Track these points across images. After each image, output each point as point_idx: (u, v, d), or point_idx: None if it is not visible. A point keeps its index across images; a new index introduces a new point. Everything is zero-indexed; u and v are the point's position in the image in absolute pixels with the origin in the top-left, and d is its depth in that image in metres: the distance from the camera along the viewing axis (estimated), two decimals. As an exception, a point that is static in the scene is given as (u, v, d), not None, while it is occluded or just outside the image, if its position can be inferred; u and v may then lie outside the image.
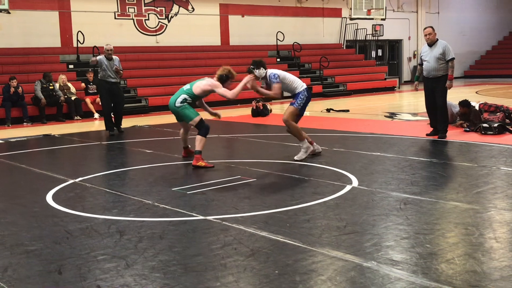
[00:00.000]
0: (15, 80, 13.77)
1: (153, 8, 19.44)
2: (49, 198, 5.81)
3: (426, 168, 6.98)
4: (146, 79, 17.45)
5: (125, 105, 15.93)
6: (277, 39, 21.64)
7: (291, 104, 7.69)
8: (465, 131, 9.96)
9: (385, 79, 23.25)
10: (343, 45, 24.65)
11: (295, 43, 21.69)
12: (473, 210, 4.93)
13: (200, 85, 7.53)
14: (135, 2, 19.08)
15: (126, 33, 18.79)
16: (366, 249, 3.96)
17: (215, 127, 11.74)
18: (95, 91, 14.88)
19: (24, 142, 10.64)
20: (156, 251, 4.05)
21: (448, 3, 29.12)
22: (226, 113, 14.35)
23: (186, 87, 7.63)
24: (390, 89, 22.55)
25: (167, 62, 18.68)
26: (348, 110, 14.67)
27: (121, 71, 11.12)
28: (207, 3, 20.66)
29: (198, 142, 7.44)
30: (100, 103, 13.26)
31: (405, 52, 27.88)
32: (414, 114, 13.30)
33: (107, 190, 6.18)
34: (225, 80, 7.59)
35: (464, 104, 10.58)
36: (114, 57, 10.97)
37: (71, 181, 6.65)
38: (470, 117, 10.36)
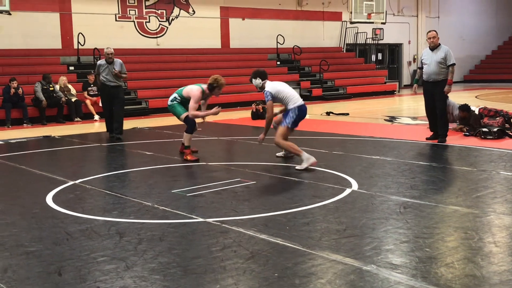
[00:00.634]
0: (15, 82, 13.78)
1: (154, 10, 19.46)
2: (49, 199, 5.82)
3: (425, 172, 6.99)
4: (146, 81, 17.47)
5: (125, 107, 16.03)
6: (277, 42, 21.67)
7: (281, 123, 7.54)
8: (465, 135, 9.98)
9: (385, 83, 23.28)
10: (343, 48, 24.69)
11: (295, 47, 21.71)
12: (473, 214, 4.93)
13: (188, 89, 8.25)
14: (136, 4, 19.11)
15: (127, 35, 18.82)
16: (365, 252, 3.97)
17: (215, 129, 11.76)
18: (96, 92, 14.90)
19: (24, 143, 10.64)
20: (156, 253, 4.06)
21: (448, 7, 29.18)
22: (226, 116, 14.37)
23: (181, 88, 8.45)
24: (390, 93, 22.58)
25: (168, 65, 18.70)
26: (348, 114, 14.69)
27: (124, 74, 10.77)
28: (208, 6, 20.69)
29: (185, 138, 8.25)
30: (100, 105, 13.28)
31: (405, 56, 27.92)
32: (414, 118, 13.31)
33: (107, 191, 6.18)
34: (213, 88, 8.21)
35: (464, 108, 10.60)
36: (116, 60, 10.65)
37: (71, 182, 6.65)
38: (470, 121, 10.38)
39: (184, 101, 8.29)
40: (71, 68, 16.95)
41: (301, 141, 9.73)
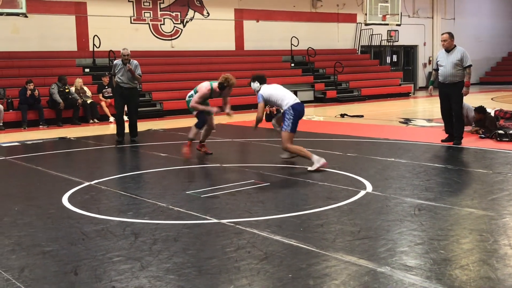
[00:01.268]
0: (31, 84, 13.93)
1: (168, 13, 19.57)
2: (65, 200, 5.87)
3: (440, 174, 6.95)
4: (161, 83, 17.56)
5: (140, 109, 16.12)
6: (291, 44, 21.67)
7: (282, 128, 7.53)
8: (480, 137, 9.90)
9: (400, 84, 23.18)
10: (358, 50, 24.63)
11: (309, 48, 21.70)
12: (488, 216, 4.90)
13: (200, 85, 8.58)
14: (151, 6, 19.23)
15: (142, 38, 18.94)
16: (380, 254, 3.96)
17: (229, 131, 11.79)
18: (111, 94, 15.01)
19: (40, 144, 10.75)
20: (171, 253, 4.08)
21: (464, 9, 28.98)
22: (240, 118, 14.40)
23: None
24: (405, 95, 22.48)
25: (182, 67, 18.78)
26: (362, 116, 14.64)
27: (139, 75, 10.60)
28: (222, 8, 20.76)
29: (191, 131, 8.54)
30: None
31: (420, 58, 27.78)
32: (429, 120, 13.24)
33: (122, 192, 6.23)
34: (223, 87, 8.39)
35: (480, 110, 10.52)
36: (132, 61, 10.50)
37: (87, 183, 6.71)
38: (485, 123, 10.30)
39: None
40: (87, 70, 17.09)
41: (316, 143, 9.73)
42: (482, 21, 29.68)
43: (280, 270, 3.71)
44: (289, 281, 3.51)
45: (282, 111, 7.56)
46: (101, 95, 15.30)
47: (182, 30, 19.95)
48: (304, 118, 14.72)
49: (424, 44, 27.69)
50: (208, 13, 20.41)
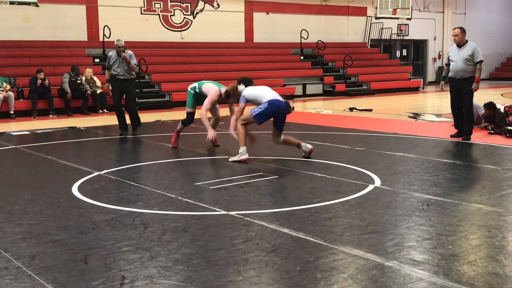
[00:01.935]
0: (42, 73, 13.99)
1: (178, 4, 19.56)
2: (74, 189, 5.92)
3: (449, 169, 6.95)
4: (170, 75, 17.58)
5: (149, 100, 16.19)
6: (301, 37, 21.62)
7: (250, 111, 7.59)
8: (490, 133, 9.87)
9: (410, 79, 23.09)
10: (368, 44, 24.54)
11: (319, 41, 21.64)
12: (496, 212, 4.90)
13: (207, 87, 8.48)
14: (161, -3, 19.23)
15: (152, 29, 18.95)
16: (387, 248, 3.97)
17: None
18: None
19: (50, 134, 10.81)
20: (180, 244, 4.11)
21: (475, 4, 28.78)
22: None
23: (204, 81, 8.77)
24: (414, 90, 22.40)
25: (192, 58, 18.79)
26: (371, 110, 14.62)
27: (135, 65, 10.31)
28: (232, 0, 20.73)
29: (179, 124, 8.79)
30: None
31: (430, 52, 27.64)
32: (438, 115, 13.20)
33: (132, 183, 6.26)
34: (229, 96, 8.33)
35: (489, 106, 10.48)
36: (126, 51, 10.22)
37: (96, 173, 6.76)
38: (495, 119, 10.26)
39: (200, 95, 8.52)
40: (97, 60, 17.13)
41: (324, 136, 9.74)
42: (492, 17, 29.48)
43: (288, 262, 3.73)
44: (297, 273, 3.53)
45: None
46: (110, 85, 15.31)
47: (192, 21, 19.94)
48: (312, 111, 14.81)
49: (434, 39, 27.55)
50: (218, 4, 20.38)
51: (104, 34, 17.32)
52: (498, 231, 4.37)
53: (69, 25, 17.35)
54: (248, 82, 7.93)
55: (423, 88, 23.38)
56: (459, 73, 9.15)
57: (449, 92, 9.59)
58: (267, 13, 21.64)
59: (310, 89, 20.12)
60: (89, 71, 15.20)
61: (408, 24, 24.72)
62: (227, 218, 4.80)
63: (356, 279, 3.43)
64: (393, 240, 4.16)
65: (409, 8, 23.17)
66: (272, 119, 7.64)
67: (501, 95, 19.25)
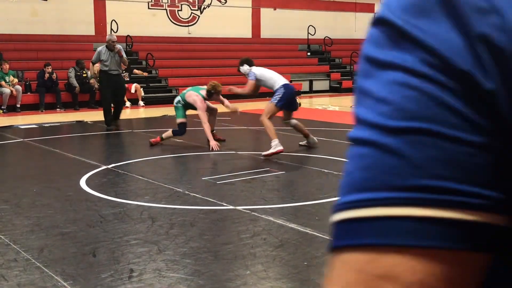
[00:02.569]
0: (49, 67, 14.04)
1: (186, -1, 19.56)
2: (82, 182, 5.95)
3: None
4: (177, 70, 17.60)
5: (156, 94, 16.22)
6: (308, 33, 21.59)
7: (270, 101, 7.73)
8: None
9: (416, 76, 23.01)
10: (375, 40, 24.46)
11: (326, 38, 21.61)
12: None
13: (190, 98, 8.36)
14: (168, -8, 19.24)
15: (159, 23, 18.96)
16: (394, 244, 3.97)
17: (244, 119, 11.80)
18: (128, 79, 15.10)
19: (57, 127, 10.85)
20: (187, 238, 4.13)
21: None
22: (255, 106, 14.42)
23: (184, 92, 8.63)
24: (421, 87, 22.33)
25: (198, 53, 18.80)
26: (378, 106, 14.57)
27: (126, 59, 10.47)
28: (239, -5, 20.72)
29: (167, 133, 8.52)
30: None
31: (437, 49, 27.55)
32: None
33: (139, 177, 6.29)
34: (211, 94, 8.35)
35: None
36: (117, 46, 10.29)
37: (104, 167, 6.79)
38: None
39: (186, 105, 8.50)
40: (104, 54, 17.14)
41: (331, 133, 9.73)
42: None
43: (295, 257, 3.74)
44: (304, 268, 3.54)
45: (274, 90, 7.70)
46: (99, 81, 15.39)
47: (199, 16, 19.94)
48: (319, 107, 14.81)
49: (442, 36, 27.45)
50: (225, 0, 20.37)
51: (111, 29, 17.34)
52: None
53: (76, 20, 17.38)
54: (250, 63, 8.04)
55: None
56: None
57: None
58: (275, 9, 21.61)
59: (317, 85, 20.10)
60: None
61: (415, 21, 24.63)
62: (234, 212, 4.82)
63: (363, 275, 3.43)
64: (400, 236, 4.16)
65: (417, 5, 23.08)
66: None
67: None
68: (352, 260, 0.41)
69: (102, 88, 10.59)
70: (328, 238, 4.11)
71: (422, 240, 0.40)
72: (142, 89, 15.48)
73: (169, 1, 19.24)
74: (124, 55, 10.33)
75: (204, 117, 8.28)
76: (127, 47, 17.14)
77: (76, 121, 11.70)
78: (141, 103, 15.06)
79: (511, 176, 0.40)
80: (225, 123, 9.11)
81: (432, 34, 0.41)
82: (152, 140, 8.54)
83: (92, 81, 10.74)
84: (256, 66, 8.03)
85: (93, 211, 4.87)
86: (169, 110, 13.74)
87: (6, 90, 13.45)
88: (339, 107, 15.04)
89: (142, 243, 4.01)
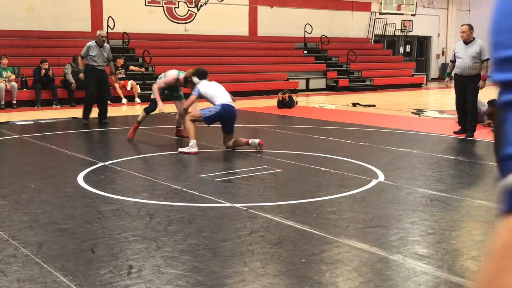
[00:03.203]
0: (46, 63, 14.01)
1: (183, -4, 19.53)
2: (80, 179, 5.95)
3: (453, 166, 6.98)
4: (174, 67, 17.45)
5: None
6: (305, 31, 21.60)
7: (201, 110, 7.78)
8: (493, 130, 9.88)
9: (413, 75, 23.09)
10: (371, 39, 24.51)
11: (323, 36, 21.62)
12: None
13: (169, 73, 8.78)
14: (165, -11, 19.20)
15: (156, 20, 18.93)
16: (392, 242, 4.01)
17: (241, 117, 11.80)
18: (124, 76, 15.08)
19: (54, 124, 10.84)
20: (185, 234, 4.15)
21: (479, 1, 28.70)
22: (252, 104, 14.44)
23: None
24: (417, 86, 22.39)
25: (195, 51, 18.78)
26: (374, 105, 14.63)
27: (110, 59, 10.90)
28: (236, -7, 20.70)
29: (140, 114, 8.92)
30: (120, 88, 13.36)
31: (433, 49, 27.60)
32: (441, 112, 13.21)
33: (137, 174, 6.30)
34: (187, 82, 8.41)
35: (493, 103, 10.49)
36: (105, 45, 10.66)
37: (101, 163, 6.79)
38: (498, 116, 10.27)
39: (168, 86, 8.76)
40: (100, 51, 17.11)
41: (328, 131, 9.76)
42: (497, 14, 29.37)
43: (293, 254, 3.77)
44: (302, 265, 3.57)
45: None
46: (114, 76, 15.33)
47: (196, 14, 19.92)
48: (315, 105, 14.84)
49: (438, 35, 27.50)
50: (222, -3, 20.35)
51: (108, 25, 17.30)
52: (502, 227, 4.40)
53: (73, 16, 17.34)
54: (203, 76, 8.11)
55: (426, 85, 23.37)
56: (466, 70, 9.16)
57: (453, 89, 9.61)
58: (272, 7, 21.61)
59: (313, 83, 20.13)
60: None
61: (412, 20, 24.68)
62: (232, 210, 4.84)
63: (361, 272, 3.46)
64: (397, 234, 4.20)
65: (413, 4, 23.14)
66: (219, 122, 7.77)
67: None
68: None
69: (88, 82, 10.83)
70: (326, 235, 4.14)
71: None
72: (138, 86, 15.46)
73: (166, -2, 19.20)
74: (109, 55, 10.78)
75: (160, 84, 8.60)
76: (124, 44, 17.13)
77: (73, 117, 11.69)
78: (137, 100, 15.04)
79: None
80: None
81: None
82: (129, 133, 8.67)
83: (81, 75, 10.88)
84: (251, 64, 8.01)
85: (91, 208, 4.88)
86: (166, 107, 13.72)
87: (1, 84, 13.43)
88: (335, 105, 15.07)
89: (140, 240, 4.02)
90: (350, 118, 11.89)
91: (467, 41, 9.21)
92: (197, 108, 8.09)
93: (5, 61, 13.73)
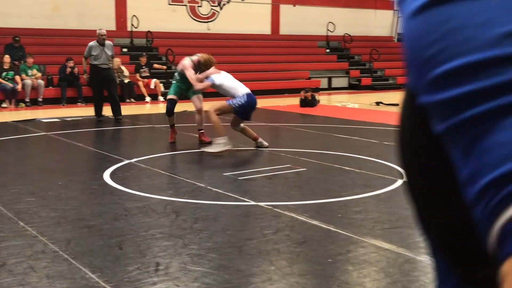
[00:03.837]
0: (71, 61, 14.17)
1: (206, -6, 19.60)
2: (106, 176, 6.02)
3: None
4: (196, 65, 17.62)
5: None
6: (327, 29, 21.52)
7: (227, 101, 7.58)
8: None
9: (436, 74, 22.83)
10: (395, 38, 24.33)
11: (345, 35, 21.53)
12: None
13: (181, 64, 8.40)
14: (188, -12, 19.29)
15: (179, 19, 19.03)
16: (418, 243, 3.97)
17: (263, 116, 11.83)
18: (148, 74, 15.20)
19: (79, 121, 10.96)
20: (211, 232, 4.17)
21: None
22: (274, 102, 14.44)
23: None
24: (441, 85, 22.14)
25: (218, 50, 18.80)
26: (398, 104, 14.47)
27: (112, 56, 10.95)
28: (259, -8, 20.71)
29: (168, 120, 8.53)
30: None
31: (457, 47, 27.28)
32: (466, 111, 13.05)
33: (162, 171, 6.34)
34: (200, 67, 8.18)
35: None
36: (107, 42, 10.78)
37: (127, 161, 6.85)
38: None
39: (182, 80, 8.48)
40: (124, 50, 17.27)
41: (351, 130, 9.72)
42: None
43: (319, 254, 3.76)
44: (329, 265, 3.56)
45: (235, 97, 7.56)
46: (138, 74, 15.48)
47: (218, 12, 19.97)
48: (338, 104, 14.77)
49: (463, 34, 27.17)
50: (245, -4, 20.38)
51: (132, 24, 17.45)
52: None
53: (97, 15, 17.50)
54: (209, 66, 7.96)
55: (450, 84, 23.09)
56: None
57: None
58: (294, 5, 21.56)
59: (336, 82, 20.05)
60: (117, 61, 15.31)
61: (436, 19, 24.40)
62: (257, 208, 4.85)
63: (388, 273, 3.45)
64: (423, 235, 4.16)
65: (437, 2, 22.85)
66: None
67: None
68: None
69: (92, 82, 11.03)
70: (352, 235, 4.12)
71: None
72: (161, 84, 15.56)
73: (189, -3, 19.29)
74: (112, 52, 10.94)
75: (191, 77, 8.05)
76: (147, 43, 17.25)
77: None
78: (160, 98, 15.14)
79: None
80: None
81: None
82: (169, 138, 8.45)
83: (84, 76, 11.10)
84: (273, 63, 7.98)
85: (118, 205, 4.92)
86: (188, 106, 13.79)
87: (28, 81, 13.63)
88: (358, 104, 15.00)
89: (167, 237, 4.05)
90: (374, 117, 11.82)
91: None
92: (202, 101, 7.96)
93: (30, 60, 13.93)
